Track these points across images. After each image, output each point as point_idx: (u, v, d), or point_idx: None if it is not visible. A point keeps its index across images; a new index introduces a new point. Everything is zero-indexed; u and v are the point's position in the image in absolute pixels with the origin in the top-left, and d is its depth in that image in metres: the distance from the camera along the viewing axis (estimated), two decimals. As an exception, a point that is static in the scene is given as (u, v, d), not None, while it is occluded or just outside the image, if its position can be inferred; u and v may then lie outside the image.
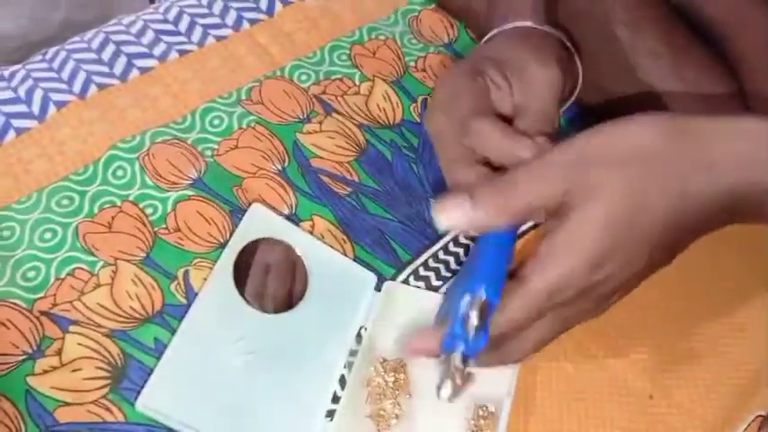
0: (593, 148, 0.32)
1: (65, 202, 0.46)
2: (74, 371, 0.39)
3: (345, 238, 0.46)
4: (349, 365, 0.40)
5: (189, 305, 0.41)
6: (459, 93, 0.41)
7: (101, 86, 0.51)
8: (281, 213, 0.46)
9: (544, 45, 0.43)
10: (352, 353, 0.40)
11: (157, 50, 0.54)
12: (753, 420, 0.39)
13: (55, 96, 0.51)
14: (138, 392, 0.38)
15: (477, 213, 0.32)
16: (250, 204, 0.45)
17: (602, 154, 0.32)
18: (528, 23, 0.44)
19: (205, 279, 0.42)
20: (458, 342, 0.31)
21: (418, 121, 0.52)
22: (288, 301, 0.42)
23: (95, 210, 0.45)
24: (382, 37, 0.57)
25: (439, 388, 0.31)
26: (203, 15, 0.57)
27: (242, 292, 0.41)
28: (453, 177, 0.40)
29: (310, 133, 0.50)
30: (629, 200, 0.31)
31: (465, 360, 0.32)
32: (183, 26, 0.56)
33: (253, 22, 0.57)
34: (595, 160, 0.32)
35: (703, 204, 0.32)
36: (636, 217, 0.31)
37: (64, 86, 0.51)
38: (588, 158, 0.32)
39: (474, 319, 0.31)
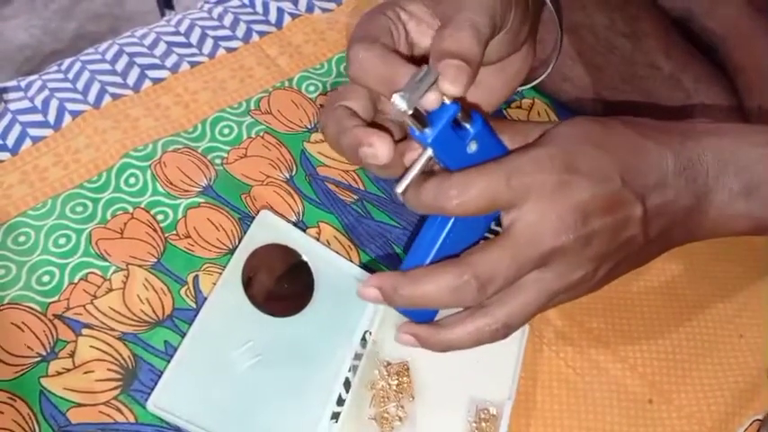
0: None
1: (79, 208, 0.47)
2: (86, 373, 0.40)
3: (351, 244, 0.47)
4: (354, 369, 0.40)
5: (198, 309, 0.42)
6: (363, 32, 0.34)
7: (115, 96, 0.53)
8: (288, 220, 0.47)
9: None
10: (357, 356, 0.41)
11: (169, 62, 0.56)
12: (750, 424, 0.39)
13: (70, 106, 0.52)
14: (149, 394, 0.38)
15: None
16: (258, 211, 0.46)
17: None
18: None
19: (214, 284, 0.43)
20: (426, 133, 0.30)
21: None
22: (294, 306, 0.43)
23: (108, 216, 0.47)
24: (388, 49, 0.58)
25: (397, 182, 0.31)
26: (214, 28, 0.59)
27: (250, 297, 0.42)
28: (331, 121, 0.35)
29: (317, 142, 0.51)
30: (597, 122, 0.33)
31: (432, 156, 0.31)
32: (194, 38, 0.58)
33: (262, 34, 0.58)
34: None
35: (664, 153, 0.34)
36: (600, 134, 0.33)
37: (79, 96, 0.53)
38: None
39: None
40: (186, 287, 0.44)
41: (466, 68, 0.31)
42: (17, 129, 0.51)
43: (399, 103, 0.29)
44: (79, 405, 0.39)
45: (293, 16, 0.59)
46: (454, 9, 0.33)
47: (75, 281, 0.44)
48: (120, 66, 0.55)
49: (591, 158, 0.32)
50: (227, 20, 0.59)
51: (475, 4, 0.33)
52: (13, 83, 0.55)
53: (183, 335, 0.41)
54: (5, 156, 0.50)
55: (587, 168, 0.32)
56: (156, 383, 0.39)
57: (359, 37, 0.34)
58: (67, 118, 0.51)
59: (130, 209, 0.47)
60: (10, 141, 0.50)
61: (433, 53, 0.32)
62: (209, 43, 0.57)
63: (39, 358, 0.41)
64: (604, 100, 0.50)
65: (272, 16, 0.60)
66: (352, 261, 0.46)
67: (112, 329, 0.42)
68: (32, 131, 0.51)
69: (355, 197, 0.49)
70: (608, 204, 0.32)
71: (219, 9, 0.60)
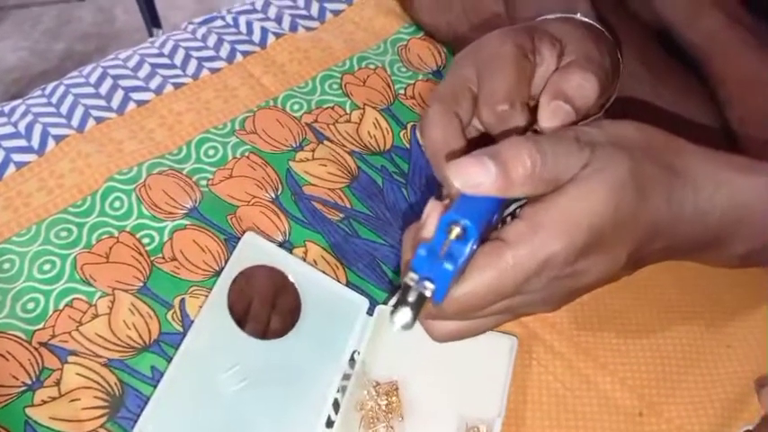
0: (615, 130, 0.32)
1: (63, 233, 0.47)
2: (72, 401, 0.40)
3: (338, 263, 0.46)
4: (342, 389, 0.40)
5: (185, 333, 0.42)
6: (499, 61, 0.36)
7: (98, 120, 0.53)
8: (274, 240, 0.47)
9: (603, 40, 0.40)
10: (346, 377, 0.41)
11: (153, 84, 0.56)
12: (740, 435, 0.39)
13: (54, 131, 0.52)
14: (136, 421, 0.38)
15: (503, 178, 0.29)
16: (244, 232, 0.46)
17: (621, 136, 0.32)
18: (587, 19, 0.41)
19: (200, 307, 0.43)
20: (427, 267, 0.28)
21: (408, 147, 0.53)
22: (282, 327, 0.43)
23: (93, 241, 0.46)
24: (372, 66, 0.58)
25: (393, 314, 0.28)
26: (198, 48, 0.59)
27: (236, 319, 0.42)
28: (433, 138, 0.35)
29: (303, 161, 0.51)
30: (633, 191, 0.30)
31: (433, 293, 0.28)
32: (178, 59, 0.58)
33: (246, 54, 0.58)
34: (613, 143, 0.31)
35: (691, 220, 0.33)
36: (635, 210, 0.30)
37: (63, 121, 0.53)
38: (607, 140, 0.31)
39: (446, 246, 0.28)
40: (173, 311, 0.43)
41: (572, 116, 0.34)
42: (1, 154, 0.51)
43: (400, 320, 0.28)
44: (65, 434, 0.39)
45: (277, 35, 0.60)
46: (575, 59, 0.37)
47: (61, 307, 0.43)
48: (104, 89, 0.55)
49: (606, 245, 0.30)
50: (211, 40, 0.59)
51: (596, 61, 0.37)
52: (-4, 108, 0.55)
53: (170, 359, 0.41)
54: (-11, 182, 0.49)
55: (600, 257, 0.30)
56: (142, 410, 0.39)
57: (508, 89, 0.35)
58: (51, 143, 0.51)
59: (116, 233, 0.47)
60: (-6, 167, 0.50)
61: (553, 91, 0.35)
62: (192, 64, 0.57)
63: (24, 387, 0.40)
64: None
65: (256, 36, 0.60)
66: (339, 280, 0.46)
67: (99, 356, 0.42)
68: (16, 157, 0.51)
69: (342, 215, 0.49)
70: (604, 278, 0.32)
71: (203, 29, 0.60)
